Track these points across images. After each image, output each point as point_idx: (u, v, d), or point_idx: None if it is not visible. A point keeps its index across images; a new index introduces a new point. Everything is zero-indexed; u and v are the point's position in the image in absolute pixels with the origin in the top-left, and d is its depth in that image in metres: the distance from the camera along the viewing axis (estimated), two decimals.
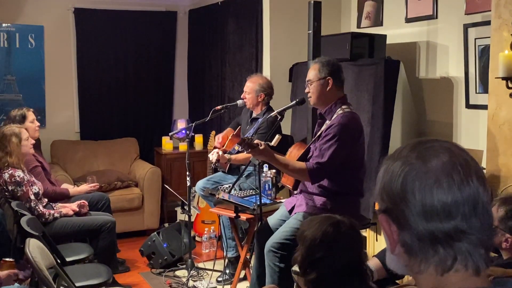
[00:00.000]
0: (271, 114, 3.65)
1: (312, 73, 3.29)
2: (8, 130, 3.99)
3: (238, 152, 4.33)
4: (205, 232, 5.18)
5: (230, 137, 4.64)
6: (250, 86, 4.46)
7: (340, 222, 2.04)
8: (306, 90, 3.33)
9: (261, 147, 3.07)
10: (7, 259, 3.09)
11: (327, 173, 3.18)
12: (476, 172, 0.98)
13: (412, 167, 0.99)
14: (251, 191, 4.09)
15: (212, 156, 4.36)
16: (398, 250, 1.03)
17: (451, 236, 0.96)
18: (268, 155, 3.13)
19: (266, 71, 5.02)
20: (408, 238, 1.00)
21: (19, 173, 3.90)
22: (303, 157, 3.33)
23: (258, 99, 4.44)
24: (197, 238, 5.39)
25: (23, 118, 4.39)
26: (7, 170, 3.88)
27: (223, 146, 4.59)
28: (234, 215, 3.79)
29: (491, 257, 1.02)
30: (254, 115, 4.53)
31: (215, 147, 4.61)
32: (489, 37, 3.28)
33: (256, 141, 3.07)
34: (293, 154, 3.43)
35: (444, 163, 0.97)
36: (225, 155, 4.35)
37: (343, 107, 3.23)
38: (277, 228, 3.35)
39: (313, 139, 3.36)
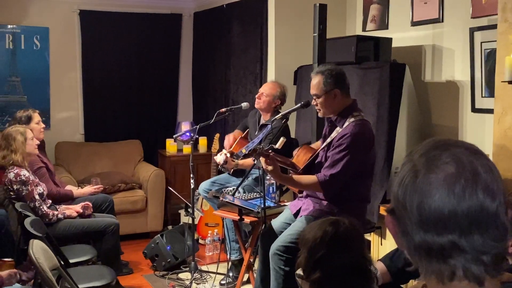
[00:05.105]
0: (276, 116, 3.64)
1: (317, 87, 3.20)
2: (13, 129, 4.02)
3: (245, 155, 4.32)
4: (209, 234, 5.17)
5: (238, 139, 4.62)
6: (270, 90, 4.41)
7: (340, 221, 2.07)
8: (313, 103, 3.28)
9: (269, 168, 3.08)
10: (7, 259, 3.10)
11: (339, 184, 3.16)
12: (485, 184, 0.94)
13: (415, 174, 0.98)
14: (255, 194, 4.08)
15: (220, 157, 4.32)
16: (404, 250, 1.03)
17: (445, 250, 0.94)
18: (277, 176, 3.16)
19: (271, 74, 5.01)
20: (406, 245, 1.00)
21: (24, 172, 3.90)
22: (311, 162, 3.31)
23: (272, 105, 4.41)
24: (200, 241, 5.38)
25: (28, 119, 4.40)
26: (13, 170, 3.88)
27: (230, 147, 4.57)
28: (238, 217, 3.78)
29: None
30: (263, 121, 4.50)
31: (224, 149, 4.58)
32: (495, 40, 3.26)
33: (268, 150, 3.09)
34: (300, 157, 3.40)
35: (447, 175, 0.95)
36: (233, 160, 4.31)
37: (355, 114, 3.19)
38: (281, 231, 3.34)
39: (322, 145, 3.33)
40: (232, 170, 4.49)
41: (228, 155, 4.29)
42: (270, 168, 3.09)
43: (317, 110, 3.31)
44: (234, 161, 4.28)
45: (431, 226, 0.94)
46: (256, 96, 4.47)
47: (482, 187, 0.94)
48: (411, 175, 0.98)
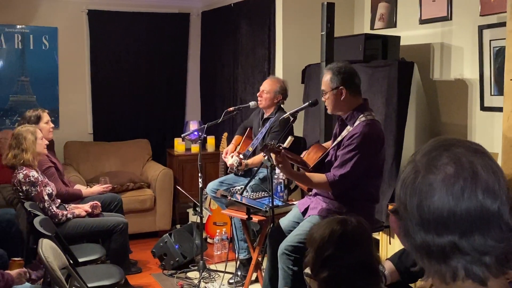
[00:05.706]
0: (284, 115, 3.64)
1: (325, 83, 3.23)
2: (23, 129, 4.04)
3: (251, 154, 4.32)
4: (217, 233, 5.18)
5: (243, 139, 4.62)
6: (270, 86, 4.44)
7: (347, 220, 2.06)
8: (323, 99, 3.30)
9: (280, 164, 3.10)
10: (16, 259, 3.11)
11: (348, 184, 3.15)
12: (485, 185, 0.94)
13: (416, 175, 0.98)
14: (263, 193, 4.08)
15: (232, 160, 4.32)
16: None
17: (444, 251, 0.94)
18: (287, 172, 3.16)
19: (279, 72, 5.00)
20: (407, 246, 1.00)
21: (33, 173, 3.92)
22: (322, 161, 3.31)
23: (274, 100, 4.44)
24: (208, 240, 5.39)
25: (38, 119, 4.42)
26: (22, 170, 3.90)
27: (235, 149, 4.57)
28: (246, 217, 3.78)
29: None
30: (265, 115, 4.52)
31: (231, 152, 4.57)
32: (505, 38, 3.24)
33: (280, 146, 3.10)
34: (310, 156, 3.40)
35: (446, 176, 0.95)
36: (242, 161, 4.31)
37: (366, 113, 3.18)
38: (290, 230, 3.34)
39: (333, 144, 3.32)
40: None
41: (241, 156, 4.30)
42: (280, 164, 3.10)
43: (326, 106, 3.33)
44: (244, 163, 4.29)
45: (431, 227, 0.94)
46: (258, 94, 4.49)
47: (482, 187, 0.94)
48: (412, 176, 0.99)
